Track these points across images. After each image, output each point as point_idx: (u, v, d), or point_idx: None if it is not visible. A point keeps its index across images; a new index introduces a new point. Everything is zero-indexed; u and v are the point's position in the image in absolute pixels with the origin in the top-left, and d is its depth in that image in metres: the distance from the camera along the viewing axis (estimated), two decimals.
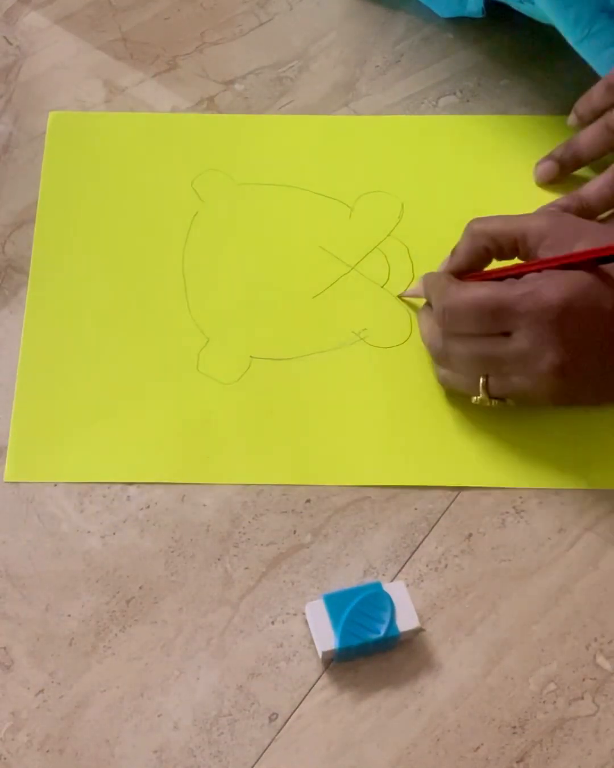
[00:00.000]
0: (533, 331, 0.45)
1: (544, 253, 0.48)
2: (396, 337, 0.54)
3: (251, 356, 0.54)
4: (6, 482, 0.51)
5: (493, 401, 0.49)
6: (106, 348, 0.54)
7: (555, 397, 0.48)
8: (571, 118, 0.58)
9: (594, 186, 0.53)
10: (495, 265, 0.51)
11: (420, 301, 0.54)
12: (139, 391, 0.53)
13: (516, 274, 0.48)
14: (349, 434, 0.52)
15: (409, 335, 0.54)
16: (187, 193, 0.58)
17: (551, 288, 0.45)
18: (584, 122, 0.57)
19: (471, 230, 0.50)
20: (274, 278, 0.56)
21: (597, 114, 0.56)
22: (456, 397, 0.52)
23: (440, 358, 0.50)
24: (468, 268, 0.50)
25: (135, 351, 0.54)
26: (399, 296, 0.55)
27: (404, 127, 0.61)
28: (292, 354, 0.54)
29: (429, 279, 0.51)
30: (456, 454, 0.51)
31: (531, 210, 0.53)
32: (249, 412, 0.52)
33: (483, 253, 0.50)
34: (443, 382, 0.51)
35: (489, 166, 0.59)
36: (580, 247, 0.47)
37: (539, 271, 0.47)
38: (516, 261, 0.50)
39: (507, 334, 0.46)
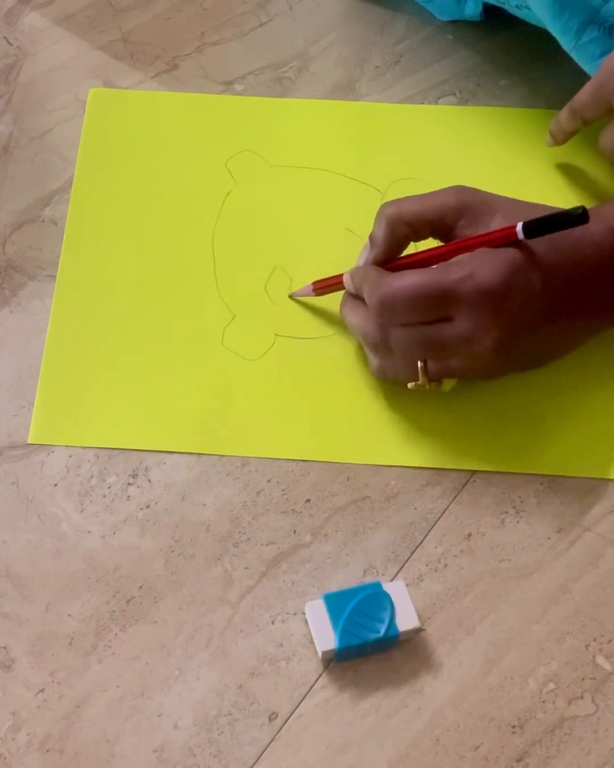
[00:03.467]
0: (474, 314, 0.46)
1: (462, 232, 0.49)
2: None
3: (276, 334, 0.55)
4: (6, 482, 0.51)
5: (431, 384, 0.49)
6: (134, 319, 0.55)
7: (489, 372, 0.50)
8: (548, 139, 0.59)
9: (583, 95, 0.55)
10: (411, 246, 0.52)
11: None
12: (163, 363, 0.54)
13: (437, 257, 0.49)
14: (368, 414, 0.53)
15: None
16: (220, 172, 0.60)
17: (487, 270, 0.46)
18: (558, 142, 0.58)
19: (387, 217, 0.50)
20: (301, 259, 0.57)
21: (568, 136, 0.57)
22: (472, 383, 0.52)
23: (378, 348, 0.50)
24: (389, 255, 0.51)
25: (162, 324, 0.55)
26: (291, 296, 0.56)
27: (439, 116, 0.62)
28: (316, 333, 0.55)
29: (357, 274, 0.51)
30: (474, 438, 0.52)
31: (562, 197, 0.57)
32: (270, 388, 0.53)
33: (403, 238, 0.51)
34: (379, 373, 0.52)
35: (523, 157, 0.60)
36: (497, 222, 0.48)
37: (460, 251, 0.48)
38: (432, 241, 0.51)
39: (446, 318, 0.47)
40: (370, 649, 0.46)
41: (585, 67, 0.56)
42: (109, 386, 0.53)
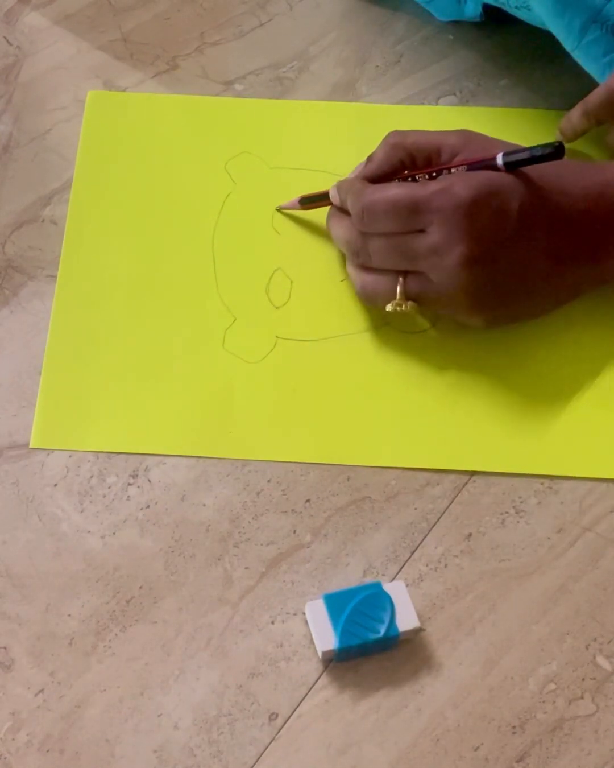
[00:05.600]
0: (445, 225, 0.48)
1: None
2: (421, 322, 0.55)
3: (277, 336, 0.55)
4: (6, 482, 0.51)
5: (409, 304, 0.51)
6: (134, 323, 0.55)
7: (469, 300, 0.50)
8: (558, 137, 0.59)
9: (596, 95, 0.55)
10: None
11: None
12: (164, 367, 0.54)
13: (422, 175, 0.51)
14: (370, 416, 0.52)
15: (435, 321, 0.55)
16: (220, 174, 0.60)
17: (461, 185, 0.48)
18: (568, 140, 0.58)
19: (390, 142, 0.53)
20: (302, 261, 0.57)
21: (578, 134, 0.57)
22: (470, 384, 0.53)
23: (359, 254, 0.52)
24: (380, 175, 0.53)
25: (162, 327, 0.55)
26: (278, 209, 0.58)
27: (439, 116, 0.62)
28: (317, 336, 0.55)
29: (343, 184, 0.53)
30: (473, 438, 0.52)
31: None
32: (272, 390, 0.53)
33: (398, 164, 0.53)
34: (361, 291, 0.53)
35: None
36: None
37: (443, 174, 0.50)
38: None
39: (422, 232, 0.49)
40: (370, 649, 0.46)
41: (588, 68, 0.56)
42: (110, 390, 0.53)
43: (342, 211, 0.53)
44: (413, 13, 0.65)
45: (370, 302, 0.53)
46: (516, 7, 0.58)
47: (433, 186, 0.49)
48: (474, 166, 0.50)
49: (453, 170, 0.50)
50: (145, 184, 0.59)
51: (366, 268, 0.52)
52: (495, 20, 0.62)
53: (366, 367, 0.54)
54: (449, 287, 0.50)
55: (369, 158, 0.54)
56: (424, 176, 0.51)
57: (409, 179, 0.52)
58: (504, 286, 0.51)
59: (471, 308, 0.51)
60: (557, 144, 0.48)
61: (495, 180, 0.49)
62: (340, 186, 0.54)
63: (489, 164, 0.49)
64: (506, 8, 0.59)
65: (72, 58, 0.64)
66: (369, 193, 0.50)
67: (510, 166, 0.49)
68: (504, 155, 0.49)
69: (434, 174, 0.51)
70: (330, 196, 0.55)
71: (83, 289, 0.56)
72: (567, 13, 0.54)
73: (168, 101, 0.62)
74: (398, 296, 0.51)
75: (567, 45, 0.56)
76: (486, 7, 0.61)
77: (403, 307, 0.51)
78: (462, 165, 0.50)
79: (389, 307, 0.51)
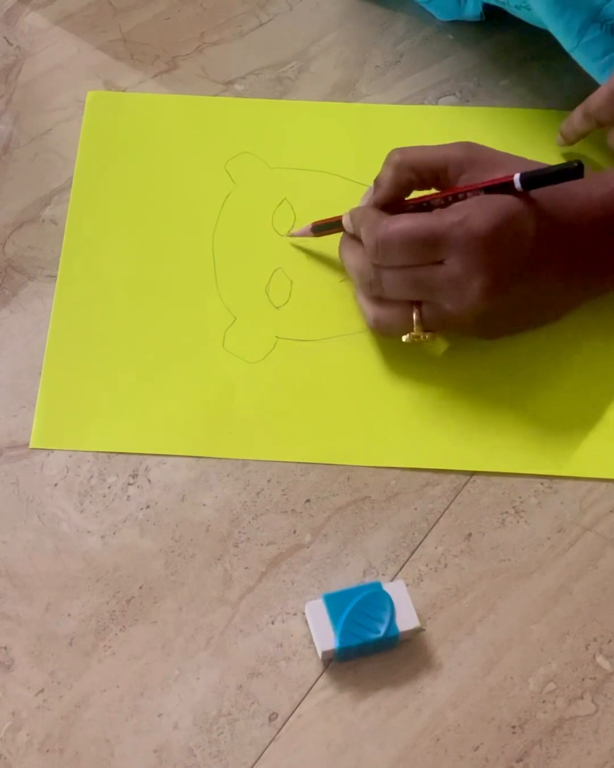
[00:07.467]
0: (464, 258, 0.47)
1: (463, 183, 0.50)
2: None
3: (277, 336, 0.55)
4: (6, 482, 0.51)
5: (426, 334, 0.50)
6: (134, 323, 0.55)
7: (482, 323, 0.50)
8: (559, 139, 0.59)
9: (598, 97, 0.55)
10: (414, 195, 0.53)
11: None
12: (164, 366, 0.54)
13: (437, 201, 0.50)
14: (370, 416, 0.52)
15: None
16: (220, 174, 0.60)
17: (479, 216, 0.47)
18: (569, 143, 0.58)
19: (394, 161, 0.51)
20: (302, 261, 0.57)
21: (580, 136, 0.57)
22: (471, 384, 0.53)
23: (372, 286, 0.51)
24: (392, 199, 0.52)
25: (162, 327, 0.55)
26: (289, 236, 0.57)
27: (439, 116, 0.62)
28: (316, 336, 0.55)
29: (356, 214, 0.52)
30: (473, 438, 0.52)
31: None
32: (272, 390, 0.53)
33: (406, 183, 0.52)
34: (373, 324, 0.52)
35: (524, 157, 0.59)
36: (499, 176, 0.49)
37: (458, 197, 0.49)
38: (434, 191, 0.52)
39: (438, 262, 0.48)
40: (370, 649, 0.46)
41: (587, 68, 0.56)
42: (110, 390, 0.53)
43: (355, 238, 0.52)
44: (413, 13, 0.65)
45: (385, 335, 0.53)
46: (516, 7, 0.59)
47: (450, 217, 0.47)
48: (490, 188, 0.48)
49: (468, 194, 0.49)
50: (144, 184, 0.59)
51: (377, 299, 0.51)
52: (495, 20, 0.62)
53: (366, 367, 0.54)
54: (464, 315, 0.49)
55: (377, 183, 0.52)
56: (441, 200, 0.50)
57: (423, 204, 0.51)
58: (518, 310, 0.51)
59: (478, 330, 0.52)
60: (577, 163, 0.46)
61: (512, 207, 0.47)
62: (354, 214, 0.52)
63: (505, 186, 0.48)
64: (506, 8, 0.59)
65: (72, 58, 0.64)
66: (384, 226, 0.48)
67: (529, 187, 0.47)
68: (521, 177, 0.47)
69: (448, 198, 0.49)
70: (343, 224, 0.53)
71: (83, 289, 0.56)
72: (566, 13, 0.54)
73: (168, 101, 0.62)
74: (416, 328, 0.50)
75: (567, 45, 0.56)
76: (486, 7, 0.61)
77: (422, 337, 0.50)
78: (476, 188, 0.48)
79: (406, 339, 0.50)
